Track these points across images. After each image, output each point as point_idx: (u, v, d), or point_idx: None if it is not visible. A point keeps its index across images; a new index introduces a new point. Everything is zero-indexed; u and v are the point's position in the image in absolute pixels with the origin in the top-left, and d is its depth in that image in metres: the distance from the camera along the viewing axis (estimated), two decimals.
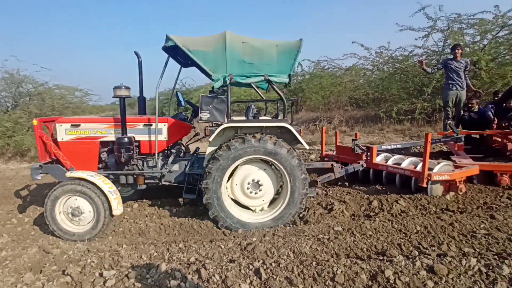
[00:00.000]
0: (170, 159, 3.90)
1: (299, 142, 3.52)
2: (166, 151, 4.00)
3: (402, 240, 2.87)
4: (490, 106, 5.92)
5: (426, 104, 9.58)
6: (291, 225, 3.52)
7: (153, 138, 3.75)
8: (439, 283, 2.19)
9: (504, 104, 5.72)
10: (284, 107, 3.59)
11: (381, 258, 2.55)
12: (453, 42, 8.95)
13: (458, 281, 2.20)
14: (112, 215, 3.37)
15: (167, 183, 3.90)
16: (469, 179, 4.23)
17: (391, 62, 11.45)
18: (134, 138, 3.75)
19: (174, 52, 3.66)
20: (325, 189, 4.47)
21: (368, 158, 4.65)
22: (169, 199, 4.55)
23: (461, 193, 3.87)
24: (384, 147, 5.14)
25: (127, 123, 3.67)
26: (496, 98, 6.12)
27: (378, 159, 4.74)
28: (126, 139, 3.60)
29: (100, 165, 3.87)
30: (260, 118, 3.90)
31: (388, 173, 4.46)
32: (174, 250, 2.94)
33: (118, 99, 3.62)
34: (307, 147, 3.58)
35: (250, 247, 2.87)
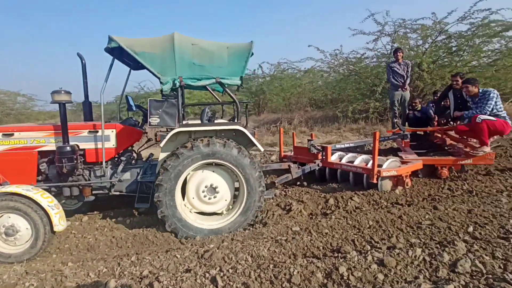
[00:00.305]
0: (120, 167, 3.70)
1: (254, 144, 3.51)
2: (115, 159, 3.77)
3: (355, 235, 2.97)
4: (431, 105, 6.45)
5: (378, 104, 10.16)
6: (250, 229, 3.50)
7: (99, 145, 3.52)
8: (389, 275, 2.28)
9: (442, 103, 6.24)
10: (237, 110, 3.57)
11: (336, 255, 2.61)
12: (400, 45, 9.64)
13: (405, 272, 2.31)
14: (53, 232, 3.08)
15: (117, 193, 3.68)
16: (415, 173, 4.53)
17: (346, 65, 12.00)
18: (78, 146, 3.50)
19: (120, 54, 3.48)
20: (284, 189, 4.51)
21: (324, 157, 4.78)
22: (123, 209, 4.30)
23: (407, 187, 4.13)
24: (338, 146, 5.34)
25: (69, 131, 3.41)
26: (435, 98, 6.68)
27: (333, 158, 4.90)
28: (68, 148, 3.34)
29: (40, 178, 3.54)
30: (216, 121, 3.84)
31: (343, 171, 4.63)
32: (125, 264, 2.76)
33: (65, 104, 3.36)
34: (261, 149, 3.59)
35: (207, 255, 2.78)
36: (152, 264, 2.73)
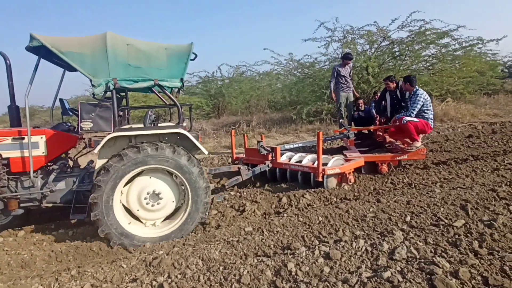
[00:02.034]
0: (52, 176, 3.41)
1: (198, 148, 3.46)
2: (46, 168, 3.49)
3: (305, 232, 3.05)
4: (373, 105, 6.91)
5: (330, 106, 10.64)
6: (204, 231, 3.44)
7: (26, 153, 3.23)
8: (334, 267, 2.38)
9: (381, 103, 6.71)
10: (178, 113, 3.49)
11: (286, 252, 2.66)
12: (349, 50, 10.20)
13: (349, 263, 2.43)
14: None
15: (50, 205, 3.40)
16: (358, 170, 4.81)
17: (300, 68, 12.41)
18: (1, 155, 3.19)
19: (48, 53, 3.22)
20: (239, 190, 4.51)
21: (273, 158, 4.87)
22: (65, 220, 3.97)
23: (350, 183, 4.37)
24: (287, 146, 5.48)
25: None
26: (376, 97, 7.16)
27: (282, 158, 5.01)
28: None
29: None
30: (160, 125, 3.70)
31: (292, 171, 4.75)
32: (64, 279, 2.55)
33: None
34: (206, 152, 3.55)
35: (156, 262, 2.68)
36: (95, 277, 2.55)
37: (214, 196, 3.90)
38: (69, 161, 3.86)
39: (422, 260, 2.34)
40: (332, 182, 4.38)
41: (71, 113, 3.81)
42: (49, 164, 3.56)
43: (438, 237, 2.67)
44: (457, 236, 2.64)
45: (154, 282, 2.32)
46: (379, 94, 6.92)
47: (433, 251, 2.49)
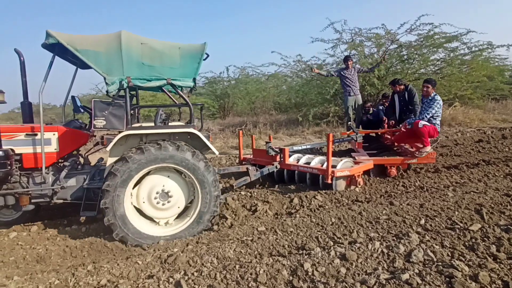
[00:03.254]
0: (63, 173, 3.41)
1: (209, 148, 3.46)
2: (58, 164, 3.51)
3: (319, 232, 3.05)
4: (381, 107, 6.89)
5: (337, 108, 10.63)
6: (218, 231, 3.44)
7: (39, 150, 3.24)
8: (350, 268, 2.37)
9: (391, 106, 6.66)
10: (190, 112, 3.50)
11: (301, 252, 2.66)
12: (356, 52, 10.19)
13: (366, 264, 2.42)
14: None
15: (61, 201, 3.41)
16: (367, 173, 4.79)
17: (308, 69, 12.42)
18: (13, 150, 3.21)
19: (62, 51, 3.24)
20: (250, 191, 4.51)
21: (282, 159, 4.86)
22: (77, 217, 4.00)
23: (359, 186, 4.36)
24: (295, 148, 5.47)
25: (3, 134, 3.12)
26: (383, 100, 7.13)
27: (291, 159, 5.00)
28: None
29: None
30: (170, 124, 3.71)
31: (300, 173, 4.74)
32: (81, 274, 2.56)
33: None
34: (216, 152, 3.56)
35: (171, 259, 2.69)
36: (111, 273, 2.56)
37: (225, 195, 3.91)
38: (80, 158, 3.89)
39: (440, 263, 2.33)
40: (341, 185, 4.36)
41: (82, 111, 3.84)
42: (60, 160, 3.58)
43: (455, 240, 2.65)
44: (474, 240, 2.62)
45: (171, 279, 2.33)
46: (389, 97, 6.89)
47: (450, 255, 2.48)
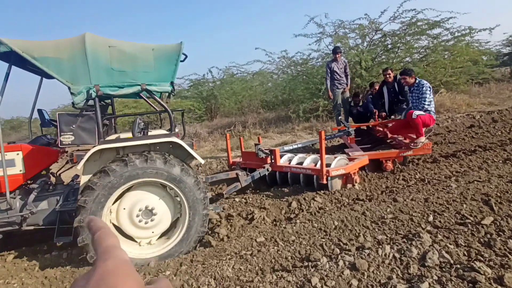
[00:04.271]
0: (32, 196, 3.08)
1: (193, 157, 3.18)
2: (26, 187, 3.18)
3: (323, 239, 2.83)
4: (370, 99, 6.70)
5: (326, 102, 10.46)
6: (213, 246, 3.17)
7: (0, 173, 2.89)
8: (362, 279, 2.16)
9: (379, 98, 6.50)
10: (170, 120, 3.19)
11: (306, 264, 2.43)
12: (341, 45, 10.04)
13: (378, 273, 2.21)
14: None
15: (32, 227, 3.08)
16: (363, 168, 4.61)
17: (293, 65, 12.22)
18: None
19: (19, 60, 2.89)
20: (244, 197, 4.26)
21: (273, 161, 4.61)
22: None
23: (356, 184, 4.15)
24: (286, 148, 5.23)
25: None
26: (373, 90, 6.94)
27: (284, 160, 4.76)
28: None
29: None
30: (150, 133, 3.40)
31: (293, 174, 4.50)
32: None
33: None
34: (202, 161, 3.27)
35: None
36: None
37: (211, 208, 3.61)
38: (51, 177, 3.54)
39: (459, 266, 2.13)
40: (337, 184, 4.15)
41: (51, 125, 3.47)
42: (28, 182, 3.24)
43: (469, 237, 2.47)
44: (489, 236, 2.45)
45: None
46: (376, 87, 6.71)
47: (466, 254, 2.29)
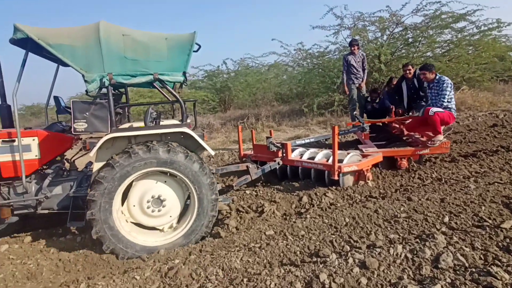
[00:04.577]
0: (47, 181, 3.15)
1: (204, 148, 3.16)
2: (41, 172, 3.25)
3: (333, 236, 2.79)
4: (387, 95, 6.50)
5: (342, 96, 10.26)
6: (222, 237, 3.18)
7: (17, 157, 2.95)
8: (372, 278, 2.11)
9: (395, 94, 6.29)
10: (182, 110, 3.18)
11: (315, 260, 2.40)
12: (360, 38, 9.78)
13: (389, 273, 2.16)
14: None
15: (46, 211, 3.15)
16: (377, 165, 4.50)
17: (309, 58, 12.01)
18: None
19: (36, 47, 2.91)
20: (255, 189, 4.25)
21: (284, 155, 4.55)
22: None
23: (368, 181, 4.06)
24: (298, 142, 5.17)
25: None
26: (392, 85, 6.73)
27: (295, 154, 4.70)
28: None
29: None
30: (162, 123, 3.41)
31: (304, 168, 4.44)
32: None
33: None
34: (212, 153, 3.25)
35: (172, 272, 2.44)
36: None
37: (221, 199, 3.62)
38: (66, 163, 3.61)
39: (474, 269, 2.06)
40: (349, 180, 4.07)
41: (66, 112, 3.53)
42: (43, 167, 3.32)
43: (486, 241, 2.38)
44: (508, 240, 2.35)
45: None
46: (394, 82, 6.49)
47: (483, 258, 2.21)
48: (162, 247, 3.03)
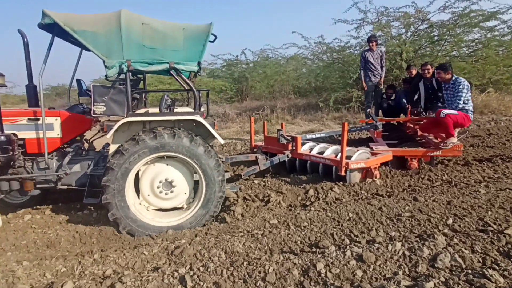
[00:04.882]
0: (67, 159, 3.36)
1: (214, 136, 3.27)
2: (62, 150, 3.46)
3: (335, 229, 2.86)
4: (404, 93, 6.36)
5: (360, 93, 10.11)
6: (227, 222, 3.32)
7: (41, 135, 3.17)
8: (368, 271, 2.18)
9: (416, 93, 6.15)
10: (194, 99, 3.29)
11: (314, 250, 2.49)
12: (382, 33, 9.54)
13: (385, 267, 2.22)
14: None
15: (65, 187, 3.37)
16: (387, 164, 4.48)
17: (329, 52, 11.84)
18: (17, 135, 3.17)
19: (62, 31, 3.07)
20: (263, 180, 4.35)
21: (294, 148, 4.61)
22: None
23: (376, 179, 4.06)
24: (309, 136, 5.20)
25: (5, 118, 3.07)
26: (406, 86, 6.59)
27: (305, 148, 4.74)
28: (1, 138, 2.99)
29: None
30: (176, 110, 3.53)
31: (313, 163, 4.49)
32: (87, 262, 2.53)
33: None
34: (221, 141, 3.36)
35: (178, 251, 2.60)
36: (117, 263, 2.51)
37: (228, 187, 3.75)
38: (85, 143, 3.82)
39: (470, 271, 2.09)
40: (356, 177, 4.09)
41: (87, 95, 3.73)
42: (64, 146, 3.53)
43: (487, 245, 2.38)
44: (510, 246, 2.35)
45: (175, 274, 2.23)
46: (412, 71, 6.28)
47: (481, 261, 2.23)
48: (187, 222, 3.24)
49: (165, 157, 3.26)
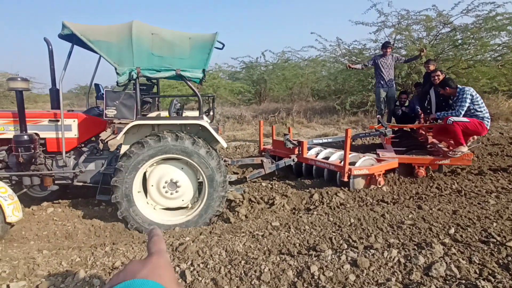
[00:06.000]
0: (83, 158, 3.62)
1: (218, 140, 3.42)
2: (78, 150, 3.73)
3: (334, 233, 2.91)
4: (417, 100, 6.24)
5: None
6: (231, 222, 3.45)
7: (60, 135, 3.44)
8: (360, 276, 2.23)
9: (425, 100, 6.04)
10: (199, 104, 3.48)
11: (311, 253, 2.56)
12: (403, 36, 9.36)
13: (378, 273, 2.26)
14: (8, 223, 3.01)
15: (81, 184, 3.64)
16: (392, 171, 4.45)
17: (348, 55, 11.75)
18: (38, 135, 3.45)
19: (80, 41, 3.32)
20: (271, 183, 4.45)
21: (300, 152, 4.68)
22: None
23: (379, 186, 4.05)
24: (315, 141, 5.24)
25: (29, 119, 3.35)
26: (419, 90, 6.45)
27: (312, 152, 4.79)
28: (25, 137, 3.27)
29: (0, 165, 3.50)
30: (184, 114, 3.71)
31: (318, 167, 4.53)
32: (99, 254, 2.74)
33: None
34: (225, 145, 3.49)
35: (181, 247, 2.75)
36: (125, 255, 2.70)
37: (233, 189, 3.89)
38: (100, 144, 4.08)
39: (463, 281, 2.09)
40: (359, 183, 4.09)
41: (103, 98, 4.01)
42: (81, 146, 3.80)
43: (486, 256, 2.37)
44: (510, 258, 2.32)
45: (177, 268, 2.38)
46: (421, 86, 6.20)
47: (477, 272, 2.22)
48: (192, 220, 3.41)
49: (170, 159, 3.44)
